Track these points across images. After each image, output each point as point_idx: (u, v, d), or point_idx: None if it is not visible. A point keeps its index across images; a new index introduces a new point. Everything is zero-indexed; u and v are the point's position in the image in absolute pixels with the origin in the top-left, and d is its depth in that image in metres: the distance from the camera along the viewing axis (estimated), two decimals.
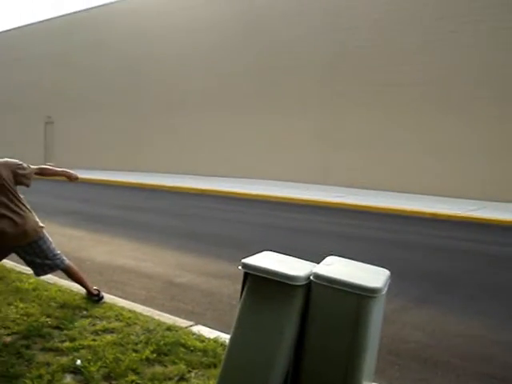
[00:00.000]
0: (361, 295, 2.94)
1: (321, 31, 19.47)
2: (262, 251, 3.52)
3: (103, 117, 27.59)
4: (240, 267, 3.22)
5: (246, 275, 3.24)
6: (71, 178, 5.68)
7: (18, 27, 33.83)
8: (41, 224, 5.28)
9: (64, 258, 5.43)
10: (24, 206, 5.16)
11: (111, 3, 27.89)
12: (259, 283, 3.14)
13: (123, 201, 16.19)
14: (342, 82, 18.98)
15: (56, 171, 5.65)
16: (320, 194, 16.13)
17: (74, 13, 29.97)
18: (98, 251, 8.56)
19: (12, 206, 5.03)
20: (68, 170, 5.67)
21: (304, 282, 3.06)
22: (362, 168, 18.22)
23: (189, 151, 23.46)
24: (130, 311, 5.28)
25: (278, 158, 20.31)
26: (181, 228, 11.14)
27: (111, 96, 27.29)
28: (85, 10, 29.35)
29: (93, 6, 28.87)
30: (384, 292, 3.08)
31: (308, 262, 3.34)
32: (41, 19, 32.15)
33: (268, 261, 3.27)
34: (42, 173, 5.44)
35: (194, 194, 17.83)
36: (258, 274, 3.12)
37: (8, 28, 34.68)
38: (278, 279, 3.04)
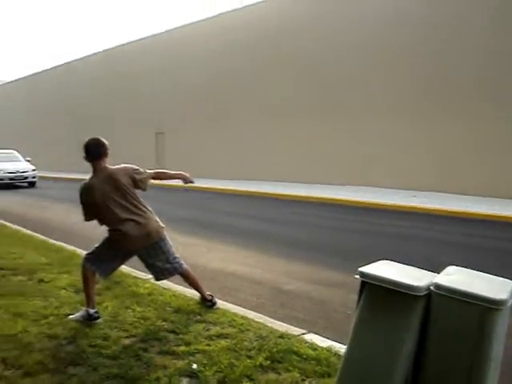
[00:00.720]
0: (485, 307, 2.82)
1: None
2: (375, 260, 3.45)
3: (209, 127, 28.15)
4: (357, 276, 3.17)
5: (363, 284, 3.19)
6: (186, 180, 5.86)
7: (132, 41, 35.16)
8: (162, 225, 5.45)
9: (182, 261, 5.59)
10: (145, 207, 5.36)
11: (205, 19, 28.68)
12: (377, 293, 3.08)
13: (232, 208, 16.40)
14: None
15: (172, 174, 5.83)
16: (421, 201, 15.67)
17: (182, 26, 30.94)
18: (210, 257, 8.72)
19: (134, 209, 5.23)
20: (183, 173, 5.82)
21: (424, 293, 2.97)
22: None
23: (294, 159, 23.50)
24: (242, 317, 5.33)
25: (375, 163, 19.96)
26: (287, 235, 11.15)
27: (215, 107, 27.82)
28: (189, 25, 30.22)
29: (201, 18, 29.64)
30: (510, 304, 2.94)
31: (427, 272, 3.24)
32: (152, 33, 33.30)
33: (386, 270, 3.20)
34: (158, 177, 5.63)
35: (297, 201, 17.82)
36: (377, 283, 3.06)
37: (124, 42, 36.09)
38: (398, 289, 2.97)
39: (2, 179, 25.93)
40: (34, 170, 27.01)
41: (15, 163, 27.28)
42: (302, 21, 23.40)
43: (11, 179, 26.15)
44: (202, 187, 20.84)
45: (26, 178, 26.65)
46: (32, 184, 26.80)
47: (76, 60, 41.25)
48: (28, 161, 28.19)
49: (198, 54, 29.04)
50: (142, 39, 34.31)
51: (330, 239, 10.67)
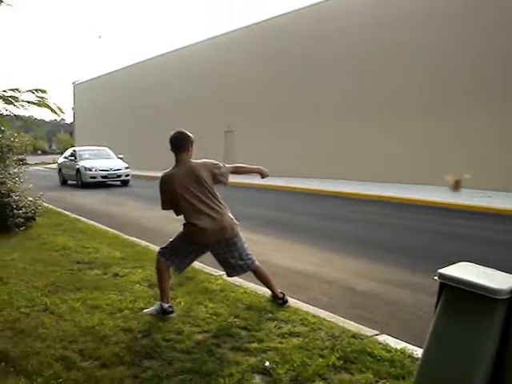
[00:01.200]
0: None
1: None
2: (448, 263, 3.38)
3: (280, 125, 28.17)
4: (436, 278, 3.12)
5: (442, 286, 3.13)
6: (264, 175, 5.93)
7: (198, 42, 35.67)
8: (236, 221, 5.51)
9: (255, 258, 5.62)
10: (221, 203, 5.44)
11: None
12: (457, 295, 3.02)
13: (301, 206, 16.41)
14: None
15: (250, 169, 5.91)
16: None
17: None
18: (279, 255, 8.73)
19: (211, 203, 5.31)
20: (260, 167, 5.87)
21: (507, 296, 2.89)
22: None
23: (358, 158, 23.33)
24: (314, 316, 5.30)
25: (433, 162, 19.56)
26: (355, 234, 11.05)
27: (282, 106, 27.84)
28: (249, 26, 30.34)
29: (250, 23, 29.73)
30: None
31: (509, 275, 3.15)
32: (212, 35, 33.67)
33: (466, 272, 3.13)
34: (237, 171, 5.76)
35: (363, 199, 17.62)
36: (457, 285, 3.00)
37: (195, 41, 36.57)
38: (479, 292, 2.91)
39: (93, 177, 24.61)
40: (127, 167, 25.54)
41: (108, 160, 26.13)
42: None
43: (104, 177, 24.71)
44: (271, 185, 20.87)
45: (120, 176, 25.11)
46: (125, 183, 25.41)
47: (151, 58, 41.91)
48: (120, 158, 26.77)
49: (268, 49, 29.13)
50: (204, 40, 34.80)
51: (396, 238, 10.50)
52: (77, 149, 27.98)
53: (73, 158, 26.44)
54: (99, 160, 25.83)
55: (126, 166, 25.63)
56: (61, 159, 28.95)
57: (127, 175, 25.39)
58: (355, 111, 23.94)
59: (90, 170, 24.69)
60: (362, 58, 23.61)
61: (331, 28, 25.29)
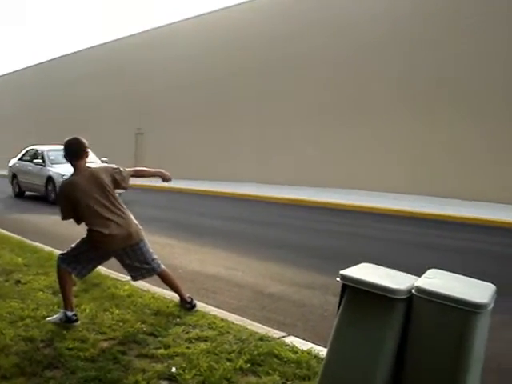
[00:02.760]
0: (466, 310, 2.82)
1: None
2: (356, 263, 3.45)
3: (190, 128, 28.09)
4: (338, 279, 3.16)
5: (344, 287, 3.18)
6: (166, 178, 5.84)
7: (113, 41, 35.07)
8: (140, 226, 5.43)
9: (160, 262, 5.55)
10: (124, 208, 5.33)
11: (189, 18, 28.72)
12: (358, 296, 3.07)
13: (211, 209, 16.39)
14: None
15: (151, 172, 5.82)
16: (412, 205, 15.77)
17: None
18: (189, 259, 8.67)
19: (115, 209, 5.19)
20: (162, 171, 5.80)
21: (405, 296, 2.97)
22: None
23: (273, 161, 23.57)
24: (222, 320, 5.28)
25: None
26: (269, 237, 11.14)
27: (196, 108, 27.79)
28: (169, 24, 30.24)
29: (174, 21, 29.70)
30: (490, 307, 2.94)
31: (409, 275, 3.24)
32: (139, 31, 33.29)
33: (367, 273, 3.20)
34: (137, 174, 5.66)
35: (280, 203, 17.82)
36: (358, 286, 3.06)
37: (103, 42, 35.94)
38: (379, 292, 2.97)
39: None
40: None
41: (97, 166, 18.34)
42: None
43: None
44: (177, 188, 20.74)
45: None
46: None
47: (56, 58, 40.91)
48: (105, 162, 18.65)
49: (176, 55, 28.98)
50: (121, 39, 34.27)
51: (311, 241, 10.67)
52: (42, 148, 19.84)
53: (38, 161, 19.29)
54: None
55: None
56: (14, 162, 21.62)
57: None
58: (260, 114, 24.20)
59: None
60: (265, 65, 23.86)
61: (245, 31, 25.46)
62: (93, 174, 5.17)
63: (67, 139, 5.27)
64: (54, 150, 18.79)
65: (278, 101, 23.85)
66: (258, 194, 19.58)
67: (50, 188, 17.68)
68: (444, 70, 18.20)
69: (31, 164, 19.46)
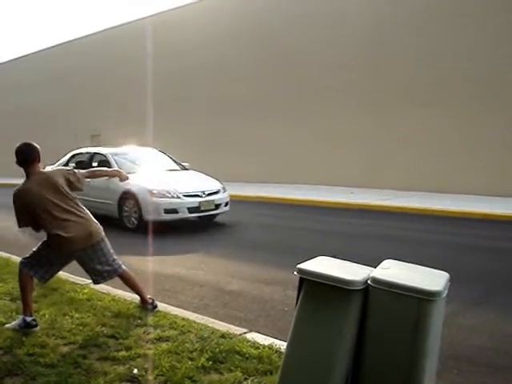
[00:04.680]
0: (420, 299, 2.88)
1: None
2: (314, 257, 3.48)
3: (150, 128, 27.87)
4: (295, 273, 3.19)
5: (301, 281, 3.21)
6: (122, 178, 5.87)
7: (57, 44, 34.63)
8: (100, 226, 5.41)
9: (121, 263, 5.54)
10: (83, 208, 5.31)
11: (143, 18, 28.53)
12: (315, 288, 3.11)
13: None
14: None
15: (107, 172, 5.81)
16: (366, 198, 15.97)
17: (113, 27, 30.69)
18: (148, 260, 8.62)
19: (73, 209, 5.16)
20: (119, 170, 5.78)
21: (361, 287, 3.02)
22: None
23: (246, 158, 23.61)
24: (183, 319, 5.29)
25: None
26: (227, 235, 11.15)
27: (155, 107, 27.61)
28: (127, 23, 29.93)
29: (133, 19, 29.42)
30: (444, 295, 3.01)
31: (365, 267, 3.29)
32: (83, 35, 32.90)
33: (324, 266, 3.24)
34: (93, 175, 5.67)
35: (242, 201, 17.82)
36: (314, 279, 3.09)
37: (48, 46, 35.46)
38: (335, 284, 3.01)
39: (172, 211, 11.68)
40: (224, 188, 12.97)
41: (182, 176, 13.36)
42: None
43: (194, 210, 11.85)
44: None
45: (218, 206, 12.34)
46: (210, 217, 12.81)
47: (18, 58, 40.13)
48: (184, 167, 14.24)
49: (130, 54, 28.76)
50: (75, 39, 33.83)
51: (271, 237, 10.71)
52: (105, 152, 13.57)
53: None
54: (168, 175, 13.04)
55: (222, 185, 13.06)
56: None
57: (227, 203, 12.75)
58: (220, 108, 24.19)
59: (164, 196, 11.63)
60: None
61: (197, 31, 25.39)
62: (46, 178, 5.13)
63: (18, 145, 5.20)
64: (122, 154, 13.43)
65: (235, 100, 23.86)
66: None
67: (127, 208, 11.94)
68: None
69: None
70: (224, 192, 12.61)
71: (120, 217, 12.07)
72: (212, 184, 12.76)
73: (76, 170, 5.36)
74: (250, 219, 13.40)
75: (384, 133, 18.63)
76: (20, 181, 5.24)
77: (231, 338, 4.73)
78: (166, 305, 5.85)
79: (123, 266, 5.53)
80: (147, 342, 4.70)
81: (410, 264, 3.40)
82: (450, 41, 17.13)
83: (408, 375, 2.92)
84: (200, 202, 11.70)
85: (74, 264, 5.43)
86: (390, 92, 18.62)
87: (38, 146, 5.22)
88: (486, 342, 5.01)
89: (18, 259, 6.31)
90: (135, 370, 4.12)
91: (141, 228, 11.26)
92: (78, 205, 5.25)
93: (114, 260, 5.43)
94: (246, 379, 3.94)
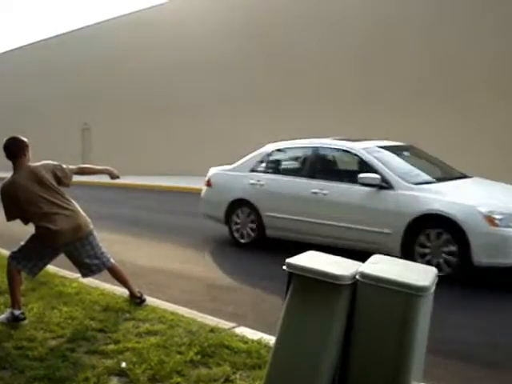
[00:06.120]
0: (409, 294, 2.89)
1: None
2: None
3: (138, 123, 27.85)
4: (284, 267, 3.19)
5: (290, 275, 3.21)
6: (113, 176, 5.77)
7: (51, 37, 34.46)
8: (88, 219, 5.39)
9: (109, 256, 5.53)
10: (71, 201, 5.29)
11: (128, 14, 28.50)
12: (304, 283, 3.11)
13: (161, 205, 16.29)
14: None
15: (96, 169, 5.75)
16: None
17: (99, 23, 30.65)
18: (137, 254, 8.62)
19: (60, 203, 5.15)
20: (109, 168, 5.72)
21: (350, 282, 3.02)
22: None
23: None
24: (172, 313, 5.29)
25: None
26: (221, 231, 11.12)
27: (144, 103, 27.57)
28: (113, 19, 29.92)
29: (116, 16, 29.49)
30: (432, 290, 3.02)
31: (354, 261, 3.29)
32: (73, 29, 32.82)
33: (313, 260, 3.24)
34: (82, 172, 5.59)
35: None
36: (303, 273, 3.09)
37: (42, 38, 35.28)
38: (324, 279, 3.01)
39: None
40: None
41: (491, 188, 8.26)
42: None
43: None
44: (129, 184, 20.58)
45: None
46: None
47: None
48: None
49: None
50: (60, 35, 33.74)
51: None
52: (356, 148, 8.32)
53: (354, 176, 7.89)
54: (466, 186, 8.11)
55: None
56: (231, 175, 9.83)
57: None
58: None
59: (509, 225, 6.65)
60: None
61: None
62: (32, 171, 5.11)
63: (6, 139, 5.18)
64: (378, 152, 8.31)
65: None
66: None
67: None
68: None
69: (324, 183, 8.24)
70: None
71: (406, 253, 7.07)
72: None
73: (64, 166, 5.33)
74: None
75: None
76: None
77: (220, 333, 4.73)
78: (154, 299, 5.84)
79: (112, 260, 5.52)
80: (136, 336, 4.70)
81: (399, 259, 3.41)
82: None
83: (396, 370, 2.92)
84: None
85: (63, 257, 5.41)
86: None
87: (25, 140, 5.20)
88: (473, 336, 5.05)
89: (7, 252, 6.31)
90: (123, 364, 4.11)
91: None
92: (65, 198, 5.23)
93: (102, 253, 5.43)
94: (234, 373, 3.94)
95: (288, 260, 3.19)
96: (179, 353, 4.30)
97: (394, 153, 8.52)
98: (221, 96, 23.83)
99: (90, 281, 6.14)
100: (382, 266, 3.17)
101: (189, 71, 25.20)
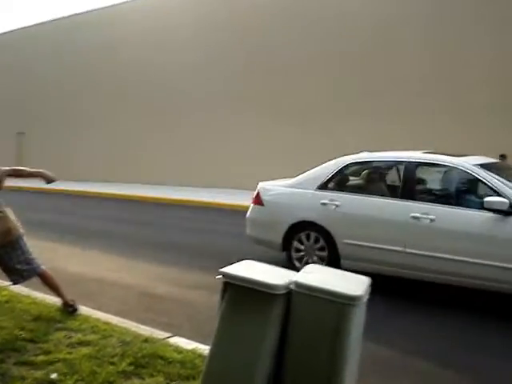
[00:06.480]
0: (342, 303, 2.92)
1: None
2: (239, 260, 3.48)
3: (73, 128, 27.40)
4: (219, 277, 3.18)
5: (225, 285, 3.20)
6: (49, 180, 5.50)
7: None
8: (18, 223, 5.27)
9: (40, 262, 5.41)
10: (2, 205, 5.17)
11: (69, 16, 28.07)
12: (238, 293, 3.11)
13: (95, 211, 16.05)
14: None
15: (31, 172, 5.52)
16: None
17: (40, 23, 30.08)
18: (71, 263, 8.43)
19: None
20: (44, 171, 5.52)
21: (284, 291, 3.03)
22: None
23: (155, 162, 23.50)
24: (105, 323, 5.19)
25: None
26: (154, 238, 11.03)
27: (81, 107, 27.14)
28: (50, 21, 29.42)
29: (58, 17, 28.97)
30: (365, 300, 3.06)
31: (288, 271, 3.31)
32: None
33: (247, 270, 3.24)
34: (15, 174, 5.40)
35: (162, 203, 17.72)
36: (237, 283, 3.09)
37: None
38: (258, 288, 3.02)
39: None
40: None
41: None
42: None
43: None
44: (62, 190, 20.19)
45: None
46: None
47: None
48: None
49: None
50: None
51: (195, 241, 10.65)
52: (464, 164, 6.74)
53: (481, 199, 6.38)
54: None
55: None
56: (307, 197, 7.67)
57: None
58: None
59: None
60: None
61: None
62: None
63: None
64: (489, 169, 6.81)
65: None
66: (145, 195, 19.36)
67: None
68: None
69: (428, 206, 6.67)
70: None
71: None
72: None
73: None
74: (171, 222, 13.29)
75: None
76: None
77: (154, 343, 4.67)
78: (88, 308, 5.72)
79: (42, 266, 5.39)
80: (67, 346, 4.59)
81: (333, 269, 3.45)
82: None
83: (327, 379, 2.95)
84: None
85: None
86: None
87: None
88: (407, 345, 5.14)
89: None
90: (54, 375, 4.01)
91: None
92: None
93: (33, 259, 5.31)
94: None
95: (222, 269, 3.18)
96: (112, 363, 4.22)
97: (499, 170, 6.95)
98: (195, 101, 23.57)
99: (21, 289, 5.99)
100: (317, 276, 3.20)
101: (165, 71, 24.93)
